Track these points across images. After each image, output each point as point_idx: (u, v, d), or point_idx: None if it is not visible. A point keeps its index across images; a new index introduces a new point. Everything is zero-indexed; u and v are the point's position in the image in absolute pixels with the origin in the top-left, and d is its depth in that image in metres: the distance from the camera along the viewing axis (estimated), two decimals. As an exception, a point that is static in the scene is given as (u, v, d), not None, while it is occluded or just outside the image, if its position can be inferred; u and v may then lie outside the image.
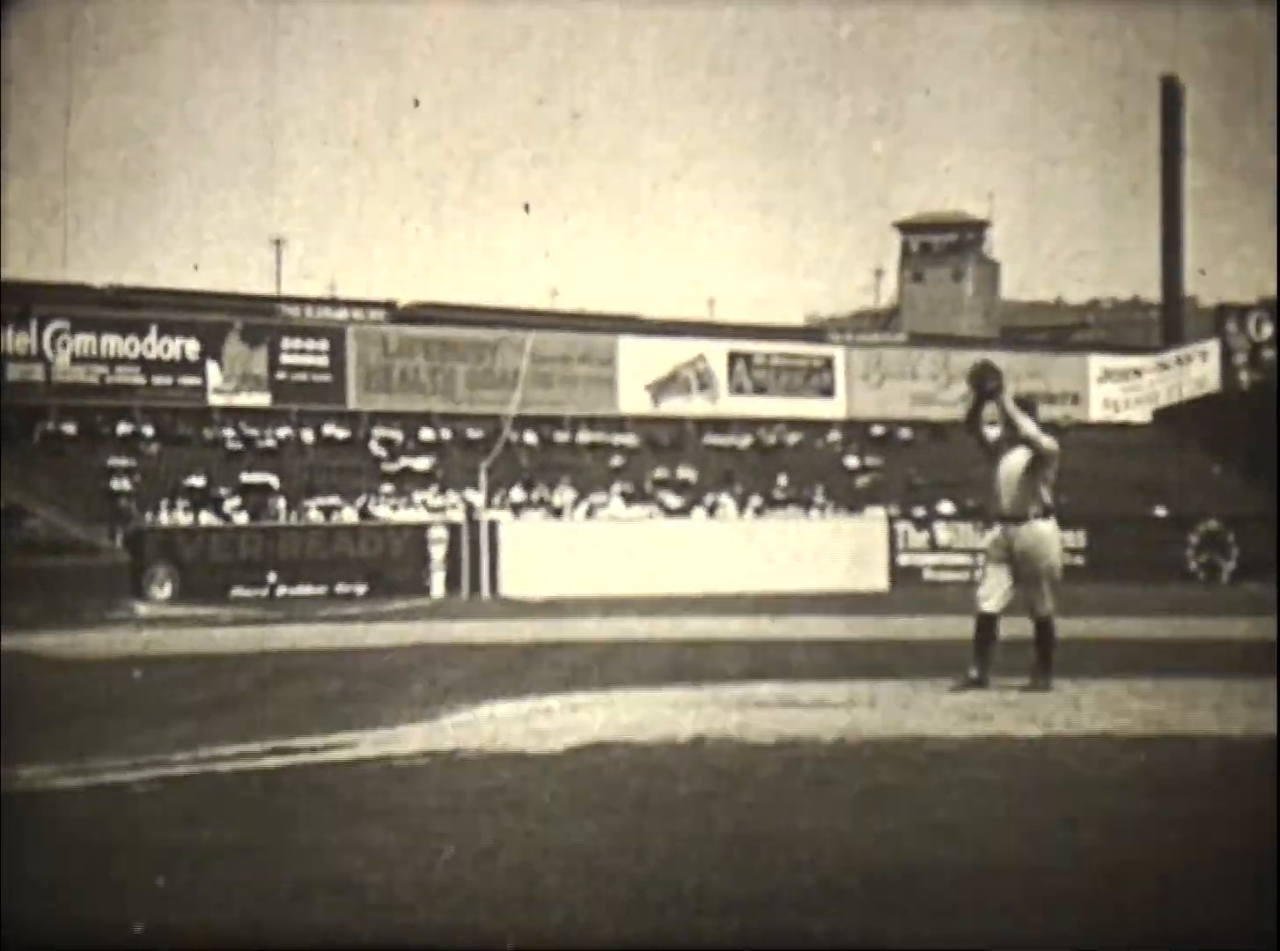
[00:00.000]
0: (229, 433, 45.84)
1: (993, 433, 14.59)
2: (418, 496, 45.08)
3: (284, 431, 46.65)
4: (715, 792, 9.31)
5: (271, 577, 39.72)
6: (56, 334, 43.91)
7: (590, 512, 46.01)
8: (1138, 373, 58.90)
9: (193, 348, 45.79)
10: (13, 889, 7.29)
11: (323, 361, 47.88)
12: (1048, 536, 14.27)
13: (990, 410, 14.61)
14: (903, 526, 45.90)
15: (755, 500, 48.36)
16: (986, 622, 14.23)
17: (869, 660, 17.71)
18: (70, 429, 43.80)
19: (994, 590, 14.24)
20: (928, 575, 44.33)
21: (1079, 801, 9.00)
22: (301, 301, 49.71)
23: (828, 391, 54.97)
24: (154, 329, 45.36)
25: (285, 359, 47.23)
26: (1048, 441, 14.42)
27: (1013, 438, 14.39)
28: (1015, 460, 14.32)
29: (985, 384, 14.57)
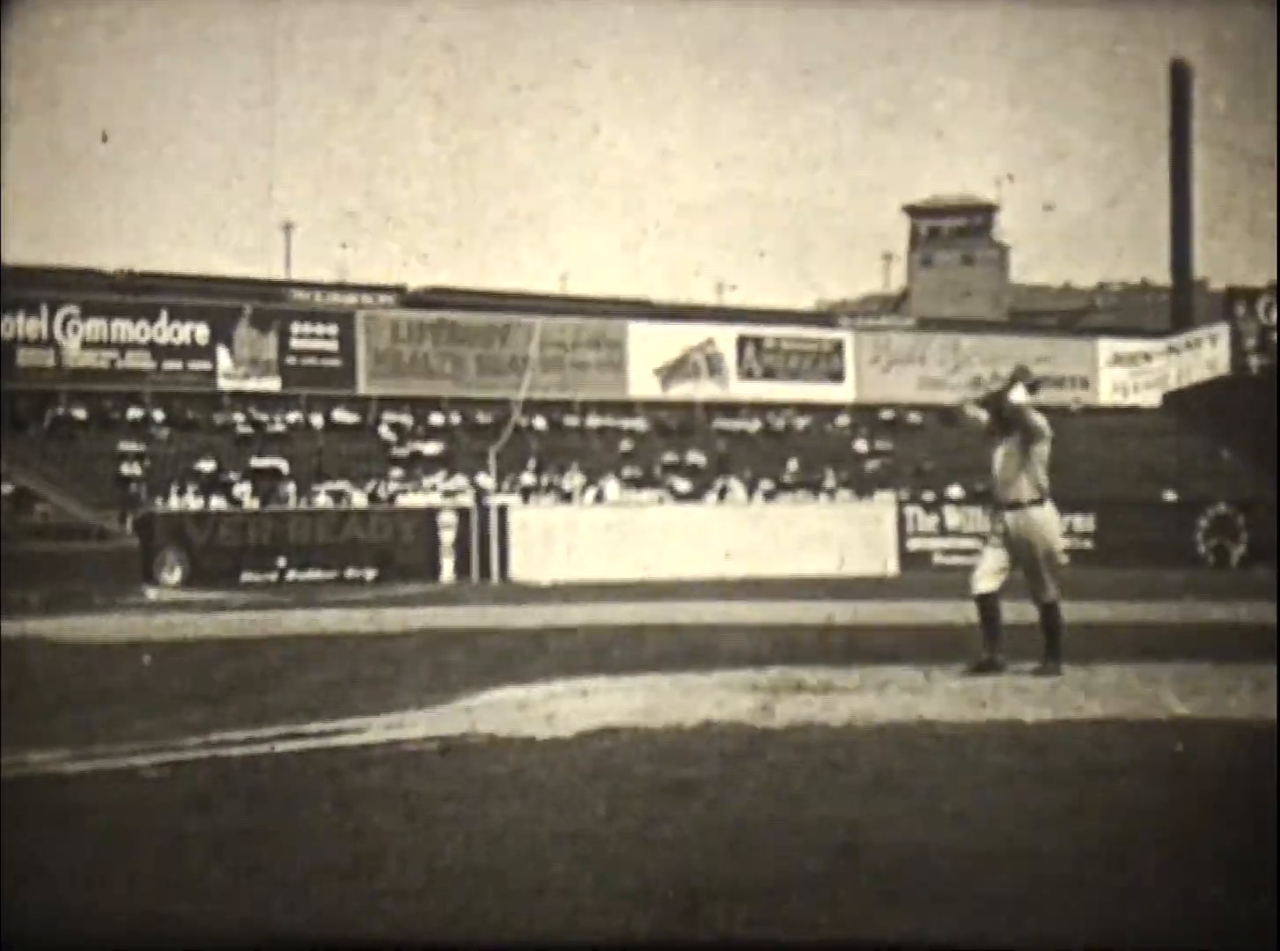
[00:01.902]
0: (239, 417, 45.88)
1: (982, 416, 14.62)
2: (427, 481, 45.10)
3: (294, 416, 46.70)
4: (724, 778, 9.32)
5: (281, 562, 39.74)
6: (67, 319, 43.96)
7: (599, 497, 46.03)
8: (1147, 356, 58.84)
9: (203, 333, 45.84)
10: (21, 873, 7.30)
11: (332, 346, 47.91)
12: (1042, 522, 14.27)
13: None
14: (912, 510, 45.87)
15: (765, 484, 48.35)
16: (985, 603, 14.26)
17: (879, 644, 17.70)
18: (80, 414, 43.87)
19: (987, 572, 14.27)
20: (938, 559, 44.29)
21: (1088, 786, 9.00)
22: (311, 286, 49.74)
23: (837, 376, 54.96)
24: (164, 314, 45.41)
25: (295, 344, 47.26)
26: (1036, 420, 14.46)
27: (1006, 422, 14.41)
28: (1008, 445, 14.35)
29: (1026, 379, 14.63)
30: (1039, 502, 14.26)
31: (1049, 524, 14.33)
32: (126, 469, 42.45)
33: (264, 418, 46.18)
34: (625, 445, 49.80)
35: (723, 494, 47.56)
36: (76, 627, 23.20)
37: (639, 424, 51.17)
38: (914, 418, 54.40)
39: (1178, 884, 7.05)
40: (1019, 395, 14.45)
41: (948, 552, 44.11)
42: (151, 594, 34.32)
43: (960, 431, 48.21)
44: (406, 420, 48.21)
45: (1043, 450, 14.31)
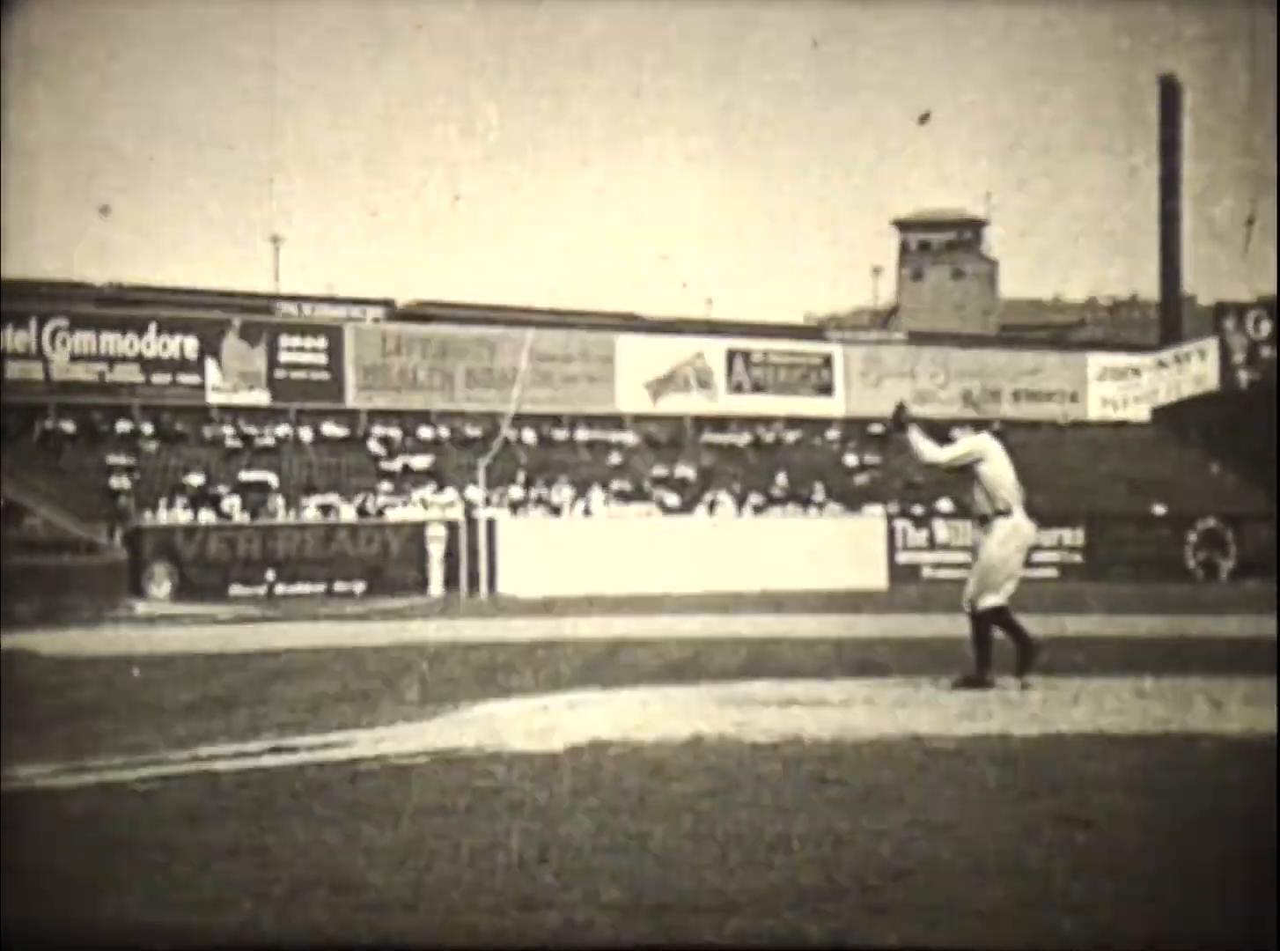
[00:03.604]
0: (228, 431, 45.82)
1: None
2: (416, 495, 45.07)
3: (282, 429, 46.65)
4: (713, 792, 9.31)
5: (270, 576, 39.71)
6: (55, 332, 43.90)
7: (587, 510, 46.03)
8: (1136, 371, 58.90)
9: (191, 346, 45.79)
10: (12, 887, 7.28)
11: (321, 359, 47.87)
12: (996, 532, 14.49)
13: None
14: (901, 524, 45.87)
15: (754, 498, 48.35)
16: (972, 621, 14.42)
17: (868, 658, 17.71)
18: (69, 427, 43.80)
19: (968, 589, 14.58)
20: (927, 573, 44.29)
21: (1077, 800, 8.99)
22: (300, 299, 49.71)
23: (826, 389, 54.97)
24: (153, 327, 45.36)
25: (284, 357, 47.22)
26: (948, 457, 14.81)
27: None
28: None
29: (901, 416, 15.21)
30: (1004, 514, 14.41)
31: (1000, 536, 14.45)
32: (115, 482, 42.39)
33: (253, 431, 46.12)
34: (614, 459, 49.79)
35: (712, 507, 47.56)
36: (65, 641, 23.18)
37: (628, 437, 51.16)
38: (903, 431, 54.34)
39: (1168, 898, 7.05)
40: (926, 451, 14.70)
41: (937, 566, 44.10)
42: (140, 607, 34.26)
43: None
44: (395, 433, 48.17)
45: (986, 470, 14.55)
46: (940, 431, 14.95)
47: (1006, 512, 14.39)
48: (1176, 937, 6.56)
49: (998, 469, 14.53)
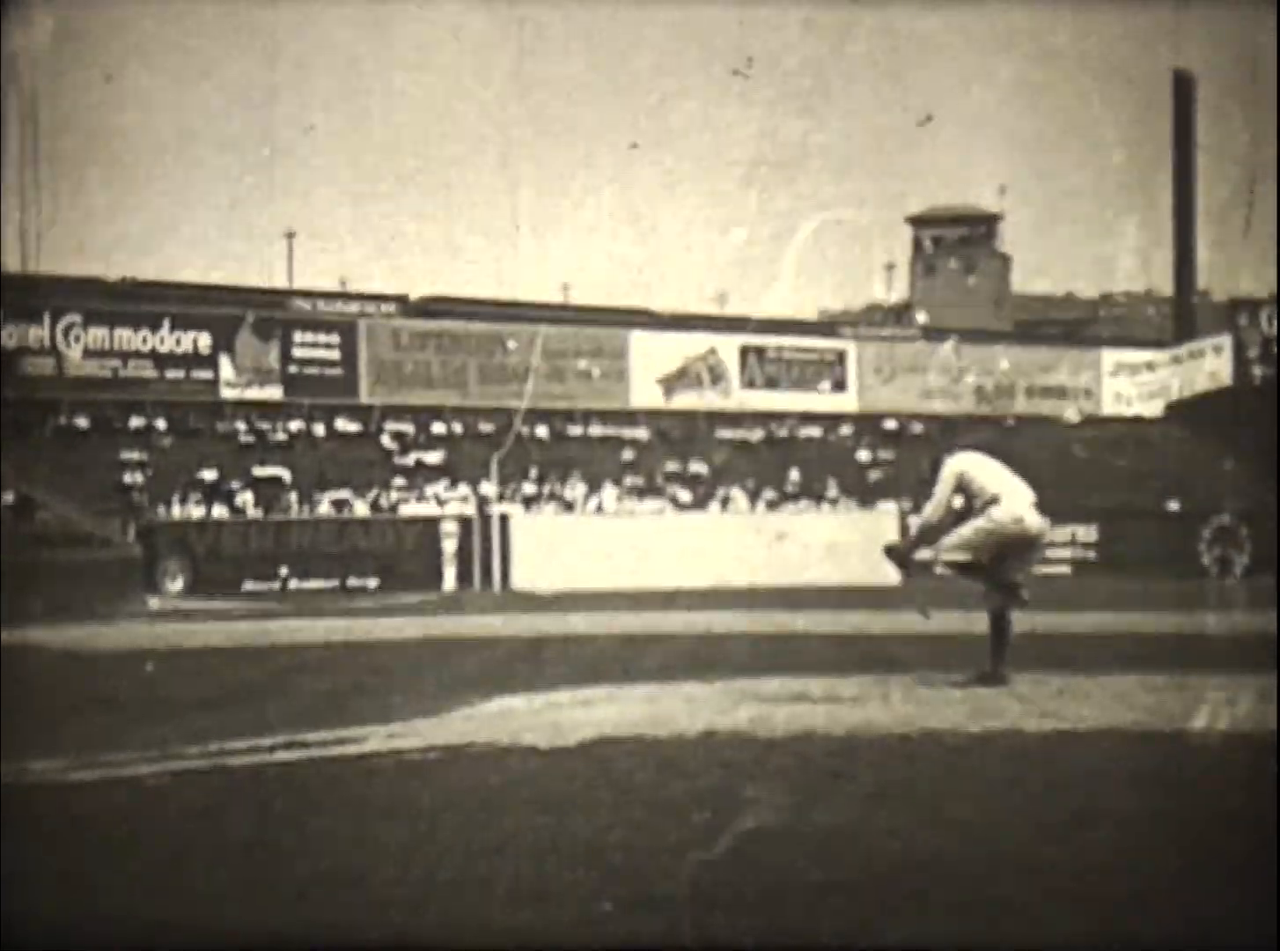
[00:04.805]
0: (241, 426, 45.86)
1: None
2: (429, 490, 45.09)
3: (296, 425, 46.68)
4: (726, 788, 9.30)
5: (283, 571, 39.73)
6: (69, 327, 43.95)
7: (601, 507, 46.02)
8: (1150, 366, 58.82)
9: (205, 341, 45.82)
10: (22, 882, 7.29)
11: (335, 355, 47.89)
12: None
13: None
14: (915, 520, 45.74)
15: (767, 494, 48.33)
16: (990, 617, 14.54)
17: (880, 654, 17.70)
18: (82, 422, 43.85)
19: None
20: (940, 569, 44.13)
21: (1089, 797, 8.98)
22: (313, 295, 49.73)
23: (840, 385, 54.92)
24: (166, 322, 45.39)
25: (297, 352, 47.24)
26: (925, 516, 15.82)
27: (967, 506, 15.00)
28: None
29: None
30: (993, 503, 14.60)
31: (989, 514, 14.64)
32: (128, 477, 42.45)
33: (266, 426, 46.16)
34: (627, 454, 49.79)
35: (725, 503, 47.54)
36: (78, 636, 23.20)
37: (641, 433, 51.15)
38: (917, 427, 54.36)
39: (1179, 895, 7.04)
40: (923, 517, 15.95)
41: (950, 563, 43.91)
42: (154, 602, 34.29)
43: (961, 444, 48.14)
44: (408, 429, 48.19)
45: (973, 481, 14.87)
46: (951, 430, 15.21)
47: (994, 501, 14.52)
48: (1183, 935, 6.55)
49: (983, 475, 14.75)
